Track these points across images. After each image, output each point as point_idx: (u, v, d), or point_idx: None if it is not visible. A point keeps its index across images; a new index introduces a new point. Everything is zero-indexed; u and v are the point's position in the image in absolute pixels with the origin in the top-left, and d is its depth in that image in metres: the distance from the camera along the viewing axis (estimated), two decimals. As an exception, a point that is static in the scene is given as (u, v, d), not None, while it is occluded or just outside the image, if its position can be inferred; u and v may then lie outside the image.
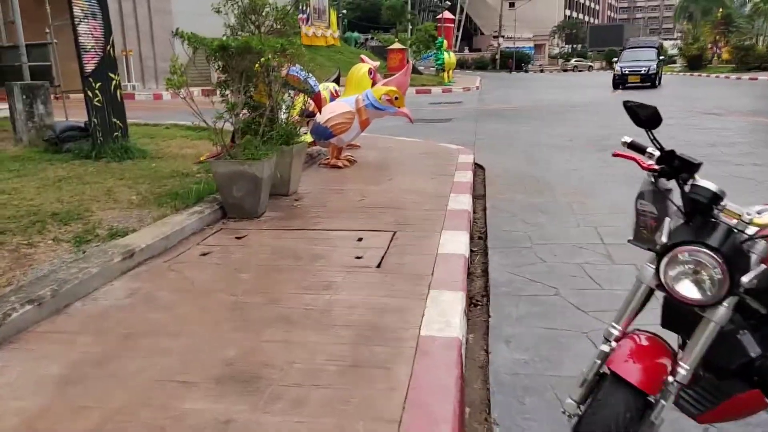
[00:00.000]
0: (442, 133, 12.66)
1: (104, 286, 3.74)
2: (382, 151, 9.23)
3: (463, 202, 5.83)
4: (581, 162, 8.84)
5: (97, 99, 7.40)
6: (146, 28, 28.02)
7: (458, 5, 66.48)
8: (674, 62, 79.63)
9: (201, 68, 30.74)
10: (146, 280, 3.92)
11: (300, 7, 35.32)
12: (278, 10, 6.30)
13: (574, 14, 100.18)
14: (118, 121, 7.65)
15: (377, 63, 9.75)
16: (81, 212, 5.00)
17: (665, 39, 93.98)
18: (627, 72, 26.93)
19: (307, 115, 9.89)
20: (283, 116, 6.12)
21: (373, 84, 9.44)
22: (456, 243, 4.52)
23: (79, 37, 7.28)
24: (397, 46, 31.90)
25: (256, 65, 5.43)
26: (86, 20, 7.38)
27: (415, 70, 37.17)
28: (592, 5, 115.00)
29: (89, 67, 7.38)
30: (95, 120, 7.37)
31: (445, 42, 33.43)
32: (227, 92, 5.42)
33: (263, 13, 6.11)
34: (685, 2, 64.91)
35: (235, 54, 5.13)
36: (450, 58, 32.38)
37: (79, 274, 3.64)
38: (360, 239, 4.64)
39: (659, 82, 28.11)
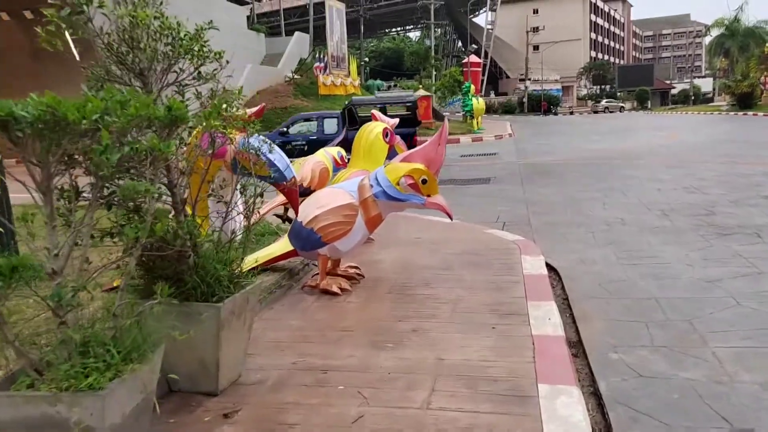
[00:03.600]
0: (484, 202, 9.83)
1: None
2: (403, 248, 6.40)
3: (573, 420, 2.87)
4: (708, 261, 5.89)
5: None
6: (151, 82, 26.01)
7: (483, 49, 64.71)
8: (710, 101, 76.83)
9: (212, 122, 28.82)
10: None
11: (317, 56, 33.43)
12: (195, 44, 3.51)
13: (600, 55, 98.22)
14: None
15: (395, 120, 7.06)
16: None
17: (696, 77, 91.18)
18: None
19: (300, 194, 7.21)
20: (214, 233, 3.35)
21: (391, 151, 6.76)
22: None
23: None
24: (421, 92, 29.53)
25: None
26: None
27: (441, 117, 34.79)
28: (617, 46, 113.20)
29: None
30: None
31: (473, 87, 31.00)
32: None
33: (150, 47, 3.20)
34: (720, 39, 61.99)
35: (32, 134, 2.24)
36: (479, 103, 29.89)
37: None
38: None
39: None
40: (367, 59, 62.17)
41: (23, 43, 23.87)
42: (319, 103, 30.40)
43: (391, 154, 6.77)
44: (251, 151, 4.00)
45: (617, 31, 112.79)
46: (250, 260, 4.76)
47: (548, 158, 16.75)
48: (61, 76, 24.63)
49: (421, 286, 4.86)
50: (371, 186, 4.58)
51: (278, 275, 4.80)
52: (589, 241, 6.96)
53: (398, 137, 6.92)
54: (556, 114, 59.87)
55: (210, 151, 3.97)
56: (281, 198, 7.32)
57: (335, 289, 4.66)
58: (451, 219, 4.59)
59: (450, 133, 26.25)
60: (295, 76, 34.04)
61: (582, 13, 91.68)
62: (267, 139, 4.09)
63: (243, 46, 34.58)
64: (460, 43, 78.74)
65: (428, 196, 4.54)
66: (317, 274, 4.86)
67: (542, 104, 60.86)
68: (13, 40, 23.82)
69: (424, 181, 4.49)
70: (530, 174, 13.34)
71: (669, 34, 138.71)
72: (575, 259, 6.12)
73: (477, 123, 29.79)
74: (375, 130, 6.60)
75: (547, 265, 5.75)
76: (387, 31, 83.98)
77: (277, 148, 4.11)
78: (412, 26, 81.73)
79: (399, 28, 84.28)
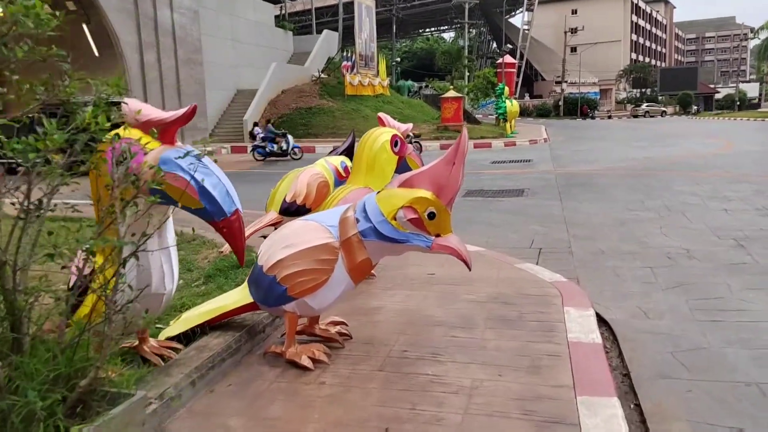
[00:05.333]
0: (517, 220, 8.41)
1: None
2: (411, 290, 5.04)
3: None
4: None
5: None
6: (172, 80, 25.17)
7: (518, 51, 62.76)
8: (757, 106, 73.21)
9: (235, 122, 27.89)
10: None
11: (345, 54, 32.25)
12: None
13: (640, 58, 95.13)
14: None
15: (408, 126, 5.72)
16: None
17: (741, 81, 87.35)
18: None
19: (291, 211, 5.95)
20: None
21: (401, 164, 5.46)
22: None
23: None
24: (451, 94, 28.06)
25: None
26: None
27: (473, 120, 33.28)
28: (659, 48, 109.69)
29: None
30: None
31: (507, 89, 29.39)
32: None
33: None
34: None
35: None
36: (512, 106, 28.28)
37: None
38: None
39: None
40: (398, 59, 60.75)
41: (41, 38, 23.17)
42: (345, 104, 29.21)
43: (402, 167, 5.45)
44: (177, 172, 2.74)
45: (659, 33, 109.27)
46: (191, 316, 3.50)
47: (588, 167, 15.18)
48: (78, 72, 23.93)
49: (426, 359, 3.50)
50: (357, 220, 3.25)
51: (231, 336, 3.51)
52: (649, 279, 5.51)
53: (411, 147, 5.58)
54: (593, 118, 57.59)
55: (120, 168, 2.73)
56: (271, 216, 6.06)
57: (305, 362, 3.33)
58: (470, 268, 3.23)
59: (481, 137, 24.91)
60: (322, 75, 32.90)
61: (623, 13, 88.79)
62: (200, 154, 2.81)
63: (269, 43, 33.64)
64: (494, 45, 76.86)
65: (437, 235, 3.19)
66: (284, 335, 3.54)
67: (582, 108, 58.65)
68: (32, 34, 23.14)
69: (431, 216, 3.14)
70: (568, 186, 11.84)
71: (713, 36, 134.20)
72: (633, 310, 4.70)
73: (510, 126, 28.20)
74: (381, 137, 5.28)
75: (597, 316, 4.37)
76: (420, 31, 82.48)
77: (214, 167, 2.82)
78: (446, 26, 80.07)
79: (433, 29, 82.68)
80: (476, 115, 38.76)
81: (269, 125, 21.32)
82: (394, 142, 5.32)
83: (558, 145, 23.07)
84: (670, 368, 3.67)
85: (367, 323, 4.10)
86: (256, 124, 23.97)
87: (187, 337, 3.53)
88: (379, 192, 3.32)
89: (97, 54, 23.06)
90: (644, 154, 18.29)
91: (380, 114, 5.62)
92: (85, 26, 22.54)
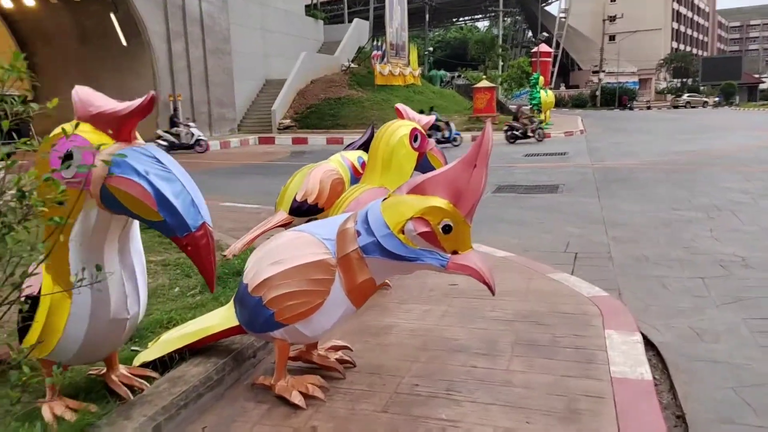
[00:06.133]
0: (550, 219, 7.76)
1: None
2: (429, 304, 4.48)
3: None
4: None
5: None
6: (200, 70, 24.93)
7: (554, 39, 61.22)
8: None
9: (263, 112, 27.57)
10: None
11: (375, 43, 31.64)
12: None
13: (681, 46, 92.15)
14: None
15: (431, 118, 5.15)
16: None
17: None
18: None
19: (302, 211, 5.46)
20: None
21: (421, 159, 4.91)
22: None
23: None
24: (484, 84, 27.23)
25: None
26: None
27: (507, 111, 32.35)
28: (701, 37, 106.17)
29: None
30: None
31: (542, 78, 28.39)
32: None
33: None
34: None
35: None
36: (547, 96, 27.28)
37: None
38: None
39: None
40: (431, 49, 59.76)
41: (70, 27, 23.17)
42: (374, 94, 28.64)
43: (423, 165, 4.90)
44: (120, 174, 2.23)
45: (701, 21, 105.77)
46: (170, 339, 3.02)
47: (627, 161, 14.35)
48: (106, 61, 23.88)
49: (440, 397, 2.94)
50: (357, 233, 2.71)
51: (213, 364, 3.01)
52: (700, 292, 4.85)
53: (433, 142, 5.01)
54: (631, 109, 55.87)
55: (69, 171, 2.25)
56: (280, 216, 5.57)
57: (296, 400, 2.81)
58: (493, 292, 2.67)
59: (515, 128, 23.89)
60: (352, 65, 32.36)
61: (663, 1, 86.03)
62: (160, 153, 2.30)
63: (299, 33, 33.22)
64: (530, 33, 75.24)
65: (454, 252, 2.63)
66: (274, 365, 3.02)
67: (622, 98, 56.97)
68: (60, 23, 23.13)
69: (446, 229, 2.58)
70: (607, 181, 11.10)
71: (758, 24, 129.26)
72: (685, 330, 4.06)
73: (545, 117, 27.25)
74: (398, 131, 4.72)
75: (643, 336, 3.76)
76: (454, 20, 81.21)
77: (179, 170, 2.31)
78: (480, 15, 78.66)
79: (467, 18, 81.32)
80: (510, 106, 37.78)
81: (433, 111, 21.02)
82: (414, 136, 4.76)
83: (595, 137, 22.14)
84: (733, 409, 3.05)
85: (375, 346, 3.56)
86: (421, 112, 23.40)
87: (164, 363, 3.05)
88: (384, 199, 2.76)
89: (125, 44, 22.93)
90: (687, 147, 17.32)
91: (398, 105, 5.05)
92: (113, 15, 22.41)
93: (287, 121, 26.85)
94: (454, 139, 20.00)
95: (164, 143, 18.71)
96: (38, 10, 22.92)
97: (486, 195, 9.93)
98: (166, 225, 2.24)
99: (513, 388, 3.01)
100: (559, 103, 53.94)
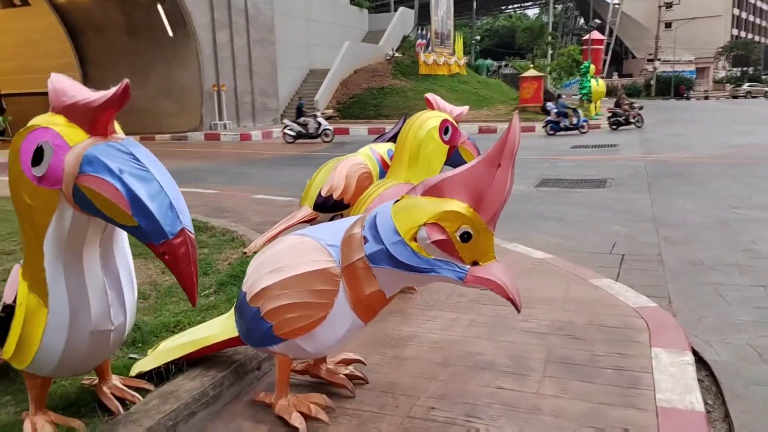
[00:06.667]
0: (596, 217, 7.28)
1: None
2: (455, 311, 4.15)
3: None
4: None
5: None
6: (244, 60, 24.97)
7: (607, 27, 59.28)
8: None
9: (307, 102, 27.50)
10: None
11: (419, 32, 31.15)
12: None
13: (742, 34, 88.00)
14: None
15: (462, 109, 4.78)
16: None
17: None
18: None
19: (327, 206, 5.21)
20: None
21: (452, 153, 4.58)
22: None
23: None
24: (531, 72, 26.44)
25: None
26: None
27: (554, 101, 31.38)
28: (764, 23, 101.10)
29: None
30: None
31: (593, 67, 27.39)
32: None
33: None
34: None
35: None
36: (598, 85, 26.29)
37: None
38: None
39: None
40: (478, 38, 58.69)
41: (119, 19, 23.50)
42: (418, 84, 28.19)
43: (454, 159, 4.56)
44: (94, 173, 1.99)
45: (765, 7, 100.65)
46: (168, 348, 2.78)
47: (682, 154, 13.58)
48: (154, 53, 24.14)
49: (458, 424, 2.60)
50: (364, 239, 2.40)
51: (211, 377, 2.76)
52: (762, 303, 4.36)
53: (466, 134, 4.65)
54: (688, 98, 53.68)
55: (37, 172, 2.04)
56: (304, 211, 5.31)
57: (296, 423, 2.52)
58: (519, 309, 2.32)
59: (563, 119, 23.18)
60: (396, 54, 31.96)
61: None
62: (139, 149, 2.04)
63: (343, 22, 33.00)
64: (581, 20, 73.12)
65: (474, 263, 2.29)
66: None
67: (679, 88, 54.86)
68: (110, 15, 23.49)
69: (465, 237, 2.24)
70: (659, 176, 10.47)
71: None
72: (743, 348, 3.61)
73: (595, 108, 26.29)
74: (427, 122, 4.40)
75: (695, 353, 3.34)
76: (503, 8, 79.63)
77: (157, 169, 2.03)
78: (530, 2, 76.90)
79: (516, 5, 79.61)
80: (560, 94, 36.74)
81: (561, 99, 21.05)
82: (444, 128, 4.42)
83: (648, 128, 21.18)
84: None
85: (391, 360, 3.25)
86: (547, 100, 23.38)
87: (161, 374, 2.82)
88: (396, 201, 2.44)
89: (171, 34, 23.13)
90: (748, 139, 16.33)
91: (428, 95, 4.70)
92: (159, 6, 22.61)
93: (329, 111, 26.68)
94: (582, 126, 19.81)
95: (291, 133, 19.13)
96: (89, 1, 23.32)
97: (528, 189, 9.47)
98: (141, 230, 1.98)
99: (542, 417, 2.66)
100: (611, 92, 52.32)
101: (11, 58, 25.66)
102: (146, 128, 22.65)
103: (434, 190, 2.34)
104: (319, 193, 5.13)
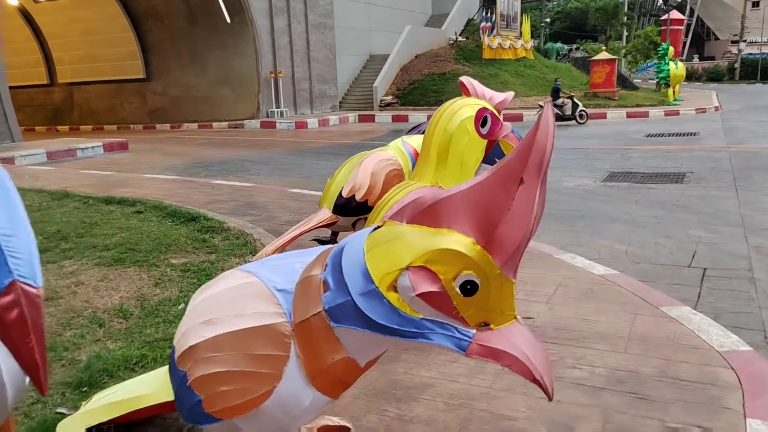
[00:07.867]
0: (671, 219, 6.26)
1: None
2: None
3: None
4: None
5: None
6: (302, 46, 24.54)
7: (687, 6, 55.70)
8: None
9: (365, 89, 26.89)
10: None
11: (484, 14, 29.87)
12: None
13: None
14: None
15: (506, 95, 3.94)
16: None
17: None
18: None
19: (348, 209, 4.55)
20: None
21: (492, 148, 3.79)
22: None
23: None
24: (603, 56, 24.76)
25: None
26: None
27: (629, 85, 29.52)
28: None
29: None
30: None
31: (671, 49, 25.41)
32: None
33: None
34: None
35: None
36: (677, 69, 24.34)
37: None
38: None
39: None
40: (548, 20, 56.27)
41: (179, 7, 23.49)
42: (482, 69, 26.98)
43: (494, 157, 3.78)
44: None
45: None
46: (97, 408, 2.15)
47: (774, 144, 12.10)
48: (212, 40, 24.04)
49: None
50: (324, 284, 1.67)
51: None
52: None
53: (509, 126, 3.82)
54: (775, 83, 49.79)
55: None
56: (323, 214, 4.63)
57: None
58: (550, 397, 1.55)
59: (637, 105, 21.86)
60: (460, 38, 30.79)
61: (822, -41, 75.81)
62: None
63: (405, 6, 32.11)
64: (660, 0, 69.09)
65: (483, 325, 1.52)
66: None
67: (768, 71, 51.00)
68: (169, 4, 23.51)
69: (468, 288, 1.48)
70: (747, 170, 9.20)
71: None
72: None
73: (673, 92, 24.39)
74: (460, 112, 3.60)
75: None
76: (575, -12, 76.19)
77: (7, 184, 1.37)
78: (604, -18, 73.20)
79: (589, -15, 76.00)
80: (634, 80, 34.61)
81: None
82: (482, 118, 3.61)
83: (733, 116, 19.35)
84: None
85: (393, 422, 2.51)
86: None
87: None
88: (374, 230, 1.69)
89: (228, 21, 22.91)
90: None
91: (463, 78, 3.89)
92: (220, -1, 22.39)
93: (388, 98, 25.94)
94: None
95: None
96: (150, -11, 23.46)
97: (593, 184, 8.46)
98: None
99: None
100: (691, 76, 49.13)
101: (76, 47, 26.19)
102: (204, 116, 22.60)
103: (427, 215, 1.57)
104: (340, 194, 4.45)
